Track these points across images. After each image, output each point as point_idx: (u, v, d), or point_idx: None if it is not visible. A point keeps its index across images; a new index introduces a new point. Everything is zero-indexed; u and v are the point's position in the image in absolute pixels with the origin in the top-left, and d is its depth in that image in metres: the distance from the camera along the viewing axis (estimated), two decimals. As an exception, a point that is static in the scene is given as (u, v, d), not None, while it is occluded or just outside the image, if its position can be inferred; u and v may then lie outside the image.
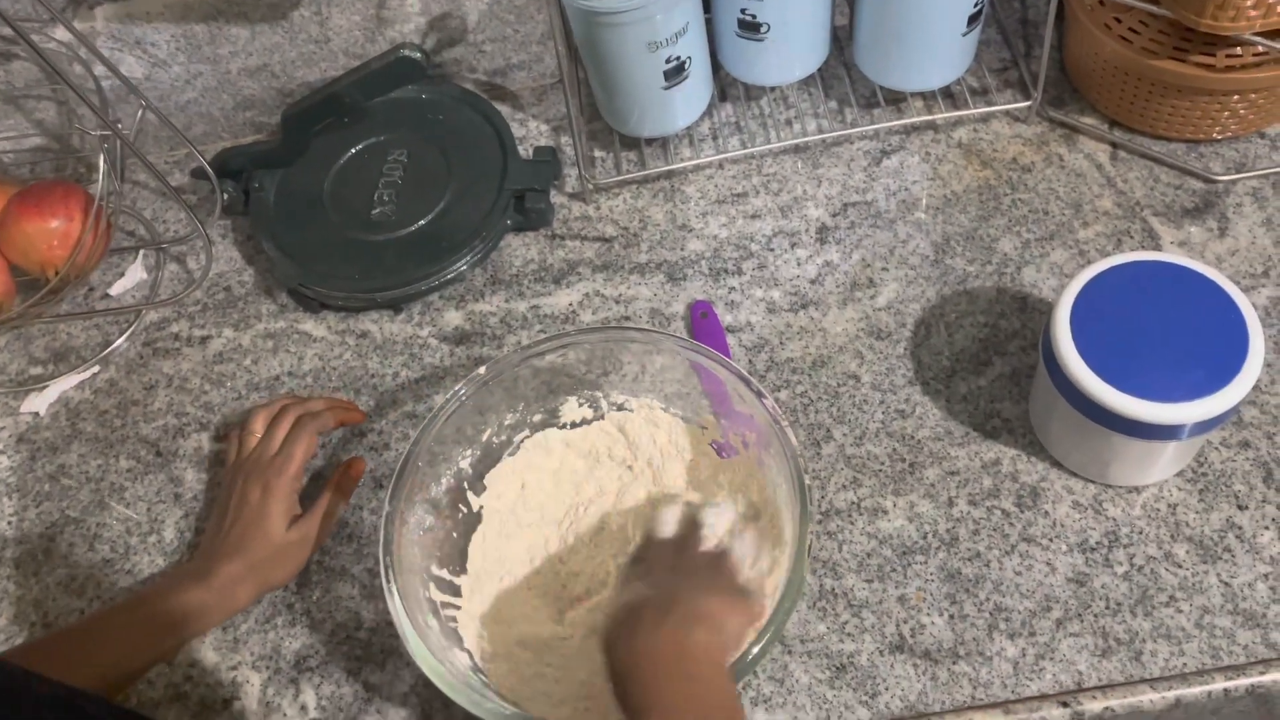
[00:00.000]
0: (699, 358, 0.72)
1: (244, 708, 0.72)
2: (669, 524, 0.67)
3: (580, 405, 0.78)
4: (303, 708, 0.72)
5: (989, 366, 0.78)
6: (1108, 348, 0.66)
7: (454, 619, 0.70)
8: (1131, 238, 0.83)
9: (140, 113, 0.86)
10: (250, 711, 0.72)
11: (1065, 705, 0.66)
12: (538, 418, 0.77)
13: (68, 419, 0.86)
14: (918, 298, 0.82)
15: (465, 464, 0.75)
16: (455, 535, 0.74)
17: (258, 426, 0.78)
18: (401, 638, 0.64)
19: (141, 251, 0.95)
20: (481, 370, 0.73)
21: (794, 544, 0.64)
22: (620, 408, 0.78)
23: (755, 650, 0.60)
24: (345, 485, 0.78)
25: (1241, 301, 0.66)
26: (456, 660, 0.66)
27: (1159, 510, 0.71)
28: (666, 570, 0.63)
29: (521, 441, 0.77)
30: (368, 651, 0.73)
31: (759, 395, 0.68)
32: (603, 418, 0.78)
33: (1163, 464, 0.70)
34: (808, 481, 0.65)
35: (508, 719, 0.60)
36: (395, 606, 0.64)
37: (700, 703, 0.55)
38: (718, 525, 0.66)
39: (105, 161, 0.80)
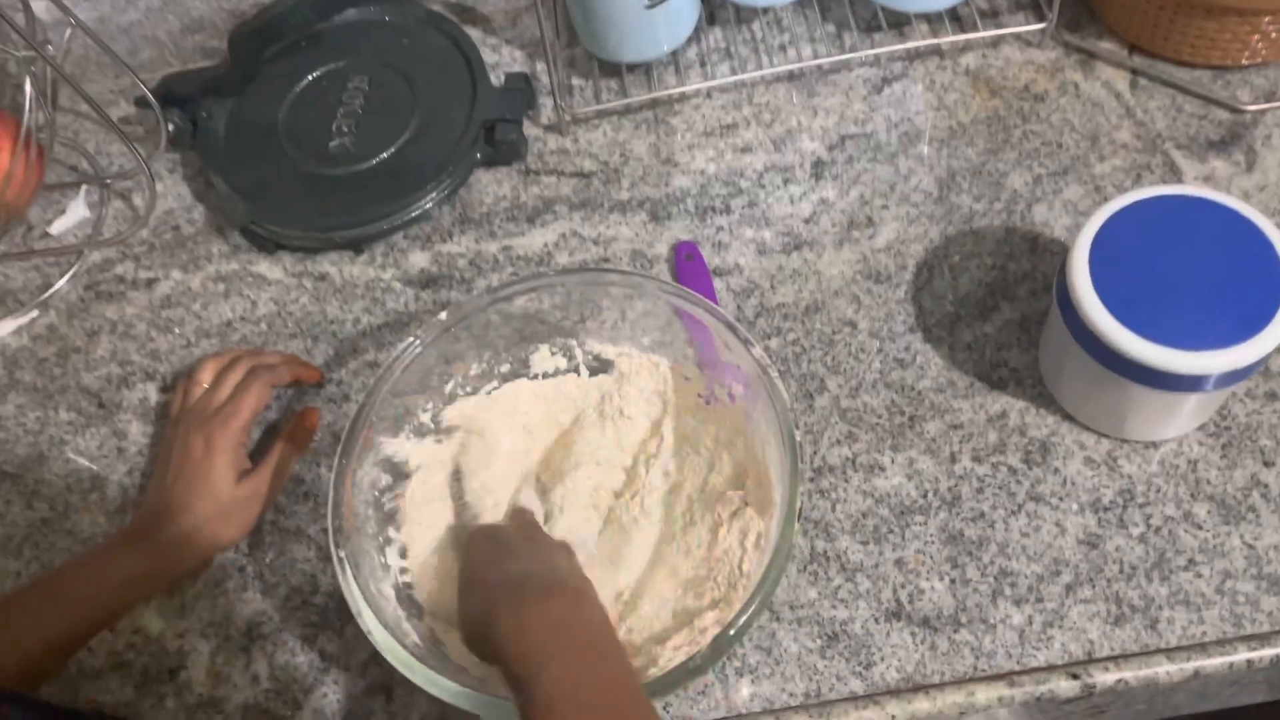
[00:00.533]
0: (683, 303, 0.66)
1: (191, 678, 0.67)
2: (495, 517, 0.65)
3: (554, 354, 0.72)
4: (254, 678, 0.66)
5: (996, 312, 0.73)
6: (1128, 291, 0.60)
7: (410, 585, 0.64)
8: (1152, 172, 0.77)
9: (69, 32, 0.79)
10: (197, 682, 0.67)
11: (1075, 677, 0.61)
12: (506, 368, 0.71)
13: (4, 367, 0.80)
14: (920, 238, 0.76)
15: (426, 418, 0.69)
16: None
17: (205, 377, 0.73)
18: (351, 609, 0.58)
19: (84, 187, 0.88)
20: (444, 315, 0.67)
21: (783, 505, 0.58)
22: (597, 357, 0.72)
23: (742, 620, 0.55)
24: (299, 437, 0.73)
25: (1277, 240, 0.60)
26: (414, 632, 0.60)
27: (1178, 467, 0.66)
28: (522, 540, 0.60)
29: (490, 393, 0.71)
30: (324, 618, 0.68)
31: (746, 343, 0.63)
32: (577, 369, 0.72)
33: (1184, 417, 0.65)
34: (798, 437, 0.59)
35: (463, 698, 0.55)
36: (344, 575, 0.59)
37: (594, 662, 0.50)
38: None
39: (31, 87, 0.73)
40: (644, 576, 0.65)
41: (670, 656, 0.60)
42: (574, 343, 0.71)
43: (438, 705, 0.64)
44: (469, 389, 0.70)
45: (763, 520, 0.62)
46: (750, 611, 0.55)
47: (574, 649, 0.50)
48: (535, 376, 0.72)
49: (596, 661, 0.50)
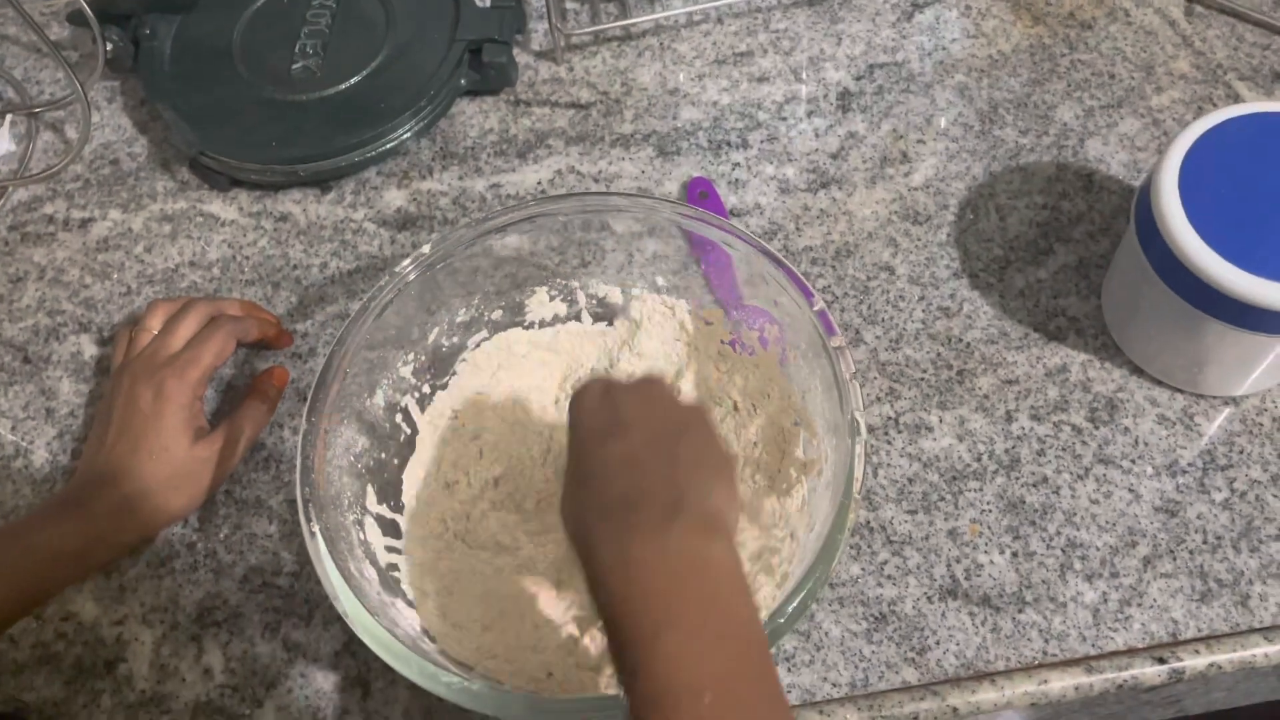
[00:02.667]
0: (709, 228, 0.56)
1: (132, 671, 0.57)
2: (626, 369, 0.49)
3: (552, 299, 0.63)
4: (206, 671, 0.57)
5: (1050, 256, 0.65)
6: (1222, 217, 0.52)
7: (396, 566, 0.55)
8: (1214, 105, 0.69)
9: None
10: (139, 676, 0.57)
11: (1162, 661, 0.53)
12: (498, 314, 0.62)
13: (-88, 318, 0.69)
14: (961, 175, 0.68)
15: (407, 371, 0.60)
16: (397, 462, 0.59)
17: (154, 322, 0.63)
18: (328, 592, 0.49)
19: (9, 117, 0.78)
20: (426, 248, 0.57)
21: (835, 465, 0.50)
22: (602, 301, 0.63)
23: (793, 605, 0.46)
24: (268, 394, 0.63)
25: (1387, 165, 0.53)
26: (401, 619, 0.51)
27: (1262, 425, 0.59)
28: (647, 434, 0.45)
29: (479, 345, 0.62)
30: (289, 603, 0.58)
31: (788, 272, 0.53)
32: (579, 315, 0.63)
33: (1268, 367, 0.58)
34: (853, 381, 0.50)
35: (466, 695, 0.46)
36: (318, 552, 0.49)
37: (724, 634, 0.39)
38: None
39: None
40: None
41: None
42: (575, 285, 0.62)
43: (421, 699, 0.55)
44: (455, 339, 0.61)
45: (805, 481, 0.53)
46: (803, 595, 0.46)
47: (697, 613, 0.39)
48: (531, 325, 0.63)
49: (724, 634, 0.39)
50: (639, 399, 0.47)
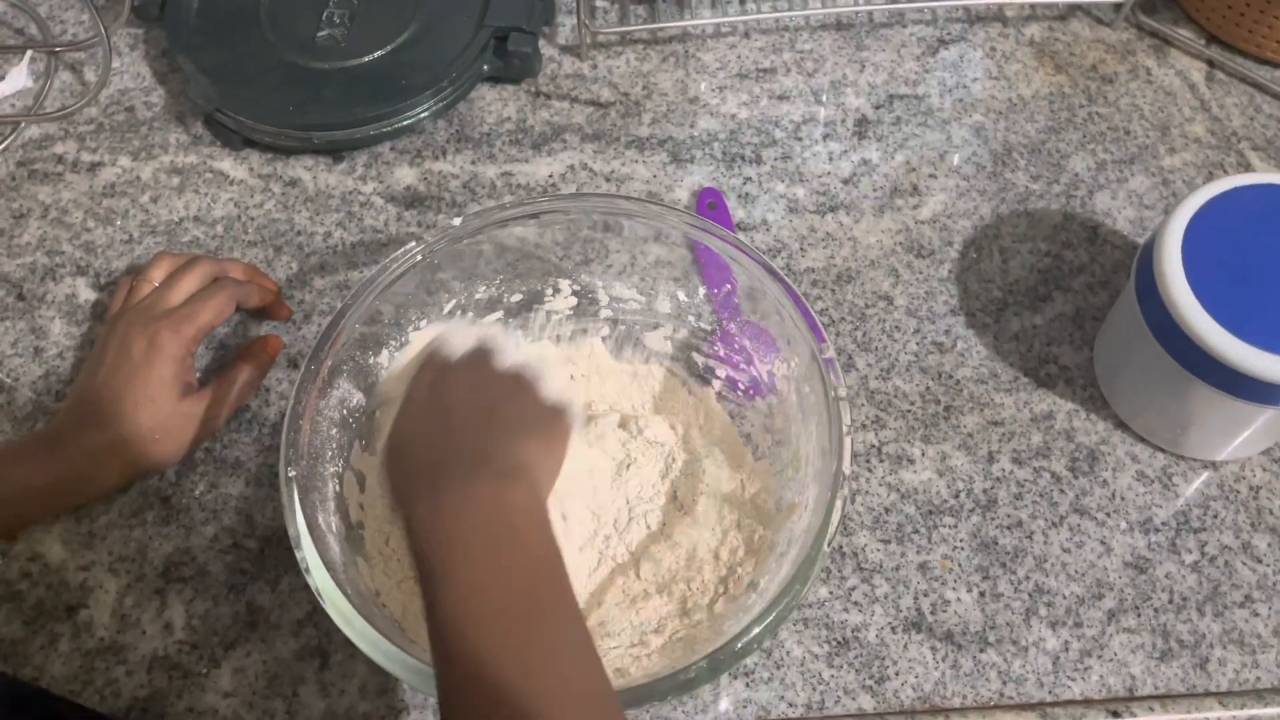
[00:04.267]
0: (726, 247, 0.56)
1: (92, 618, 0.57)
2: (457, 346, 0.51)
3: (574, 294, 0.63)
4: (167, 626, 0.57)
5: (1048, 302, 0.65)
6: (1220, 283, 0.53)
7: (363, 524, 0.55)
8: (1225, 171, 0.70)
9: None
10: (100, 624, 0.57)
11: (1115, 715, 0.54)
12: (517, 298, 0.62)
13: (-90, 243, 0.69)
14: (969, 213, 0.69)
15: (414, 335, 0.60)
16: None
17: (157, 274, 0.63)
18: (291, 539, 0.48)
19: (29, 53, 0.77)
20: (458, 220, 0.57)
21: (815, 505, 0.50)
22: (623, 302, 0.63)
23: (756, 630, 0.46)
24: (259, 359, 0.63)
25: (1388, 248, 0.54)
26: (360, 579, 0.51)
27: (1239, 492, 0.59)
28: (468, 410, 0.48)
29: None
30: (258, 566, 0.58)
31: (803, 310, 0.53)
32: (598, 314, 0.63)
33: (1250, 435, 0.58)
34: (847, 425, 0.50)
35: (401, 664, 0.46)
36: (290, 498, 0.49)
37: (519, 571, 0.42)
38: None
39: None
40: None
41: (651, 659, 0.51)
42: (599, 284, 0.62)
43: (379, 676, 0.56)
44: (469, 316, 0.61)
45: (782, 523, 0.54)
46: (765, 626, 0.47)
47: (492, 544, 0.42)
48: (550, 314, 0.63)
49: (513, 568, 0.42)
50: (466, 374, 0.50)
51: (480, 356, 0.51)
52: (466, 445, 0.46)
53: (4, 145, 0.73)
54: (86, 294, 0.67)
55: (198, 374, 0.63)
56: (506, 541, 0.43)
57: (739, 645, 0.46)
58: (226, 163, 0.72)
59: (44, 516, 0.59)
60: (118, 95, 0.75)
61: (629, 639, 0.53)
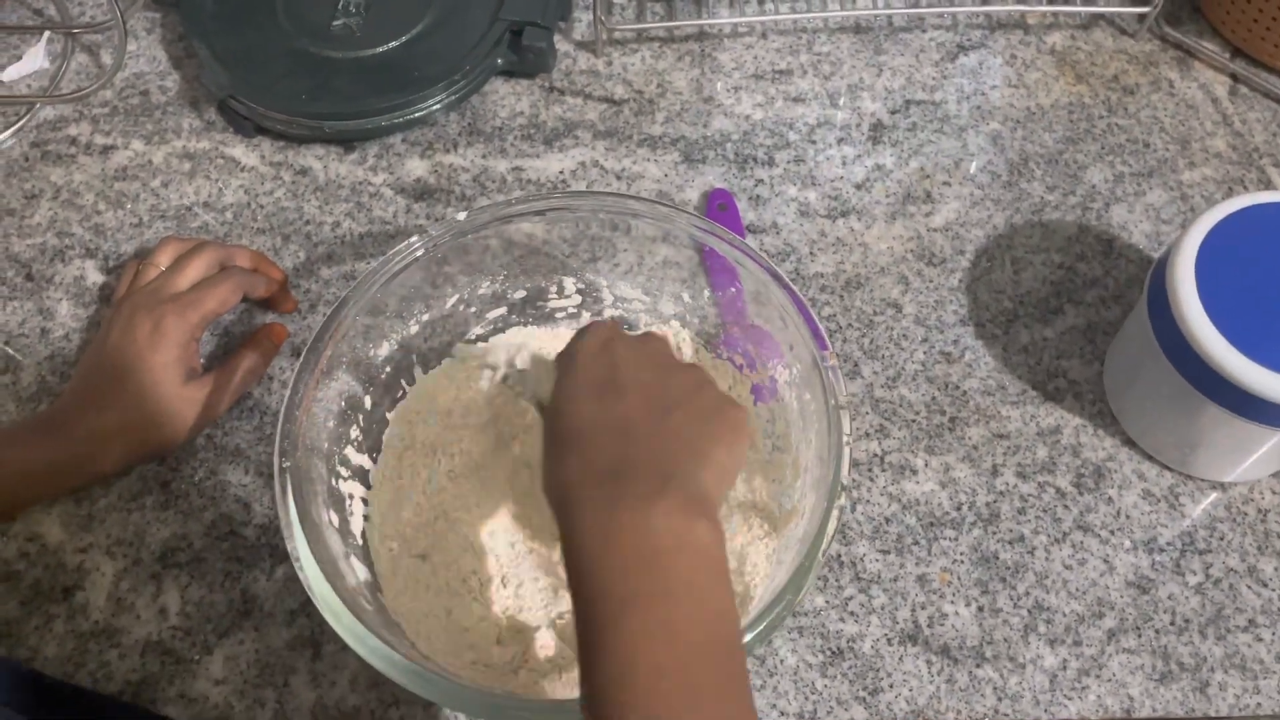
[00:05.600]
0: (734, 251, 0.56)
1: (88, 600, 0.57)
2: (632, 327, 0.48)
3: (579, 292, 0.62)
4: (161, 611, 0.57)
5: (1059, 316, 0.64)
6: (1233, 302, 0.52)
7: (364, 516, 0.55)
8: (1245, 188, 0.69)
9: None
10: (95, 606, 0.57)
11: (1111, 737, 0.53)
12: (520, 294, 0.62)
13: (-78, 220, 0.69)
14: (982, 222, 0.68)
15: (415, 328, 0.59)
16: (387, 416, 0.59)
17: (163, 259, 0.63)
18: (284, 532, 0.48)
19: (47, 34, 0.78)
20: (463, 215, 0.56)
21: (813, 513, 0.49)
22: (628, 302, 0.62)
23: (748, 637, 0.45)
24: (263, 347, 0.63)
25: None
26: (351, 574, 0.51)
27: (1246, 514, 0.58)
28: (644, 399, 0.44)
29: (494, 320, 0.62)
30: (253, 554, 0.58)
31: (806, 316, 0.53)
32: (601, 314, 0.62)
33: (1260, 457, 0.57)
34: (847, 434, 0.50)
35: (390, 663, 0.46)
36: (283, 490, 0.49)
37: (695, 620, 0.38)
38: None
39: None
40: None
41: None
42: (603, 283, 0.62)
43: (370, 669, 0.55)
44: (472, 310, 0.61)
45: (781, 528, 0.53)
46: (755, 633, 0.46)
47: (669, 594, 0.38)
48: (553, 313, 0.63)
49: (695, 620, 0.38)
50: (640, 357, 0.45)
51: (654, 339, 0.47)
52: (645, 455, 0.41)
53: (19, 125, 0.73)
54: (95, 276, 0.67)
55: (202, 360, 0.63)
56: (685, 591, 0.38)
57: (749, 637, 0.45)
58: (238, 149, 0.72)
59: (44, 498, 0.59)
60: (132, 79, 0.75)
61: None
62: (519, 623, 0.53)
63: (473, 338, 0.62)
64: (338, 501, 0.54)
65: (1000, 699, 0.54)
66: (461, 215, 0.57)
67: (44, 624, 0.57)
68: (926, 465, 0.60)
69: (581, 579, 0.39)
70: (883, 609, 0.56)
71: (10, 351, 0.65)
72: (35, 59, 0.76)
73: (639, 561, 0.38)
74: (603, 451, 0.42)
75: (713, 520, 0.40)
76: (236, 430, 0.62)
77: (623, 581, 0.38)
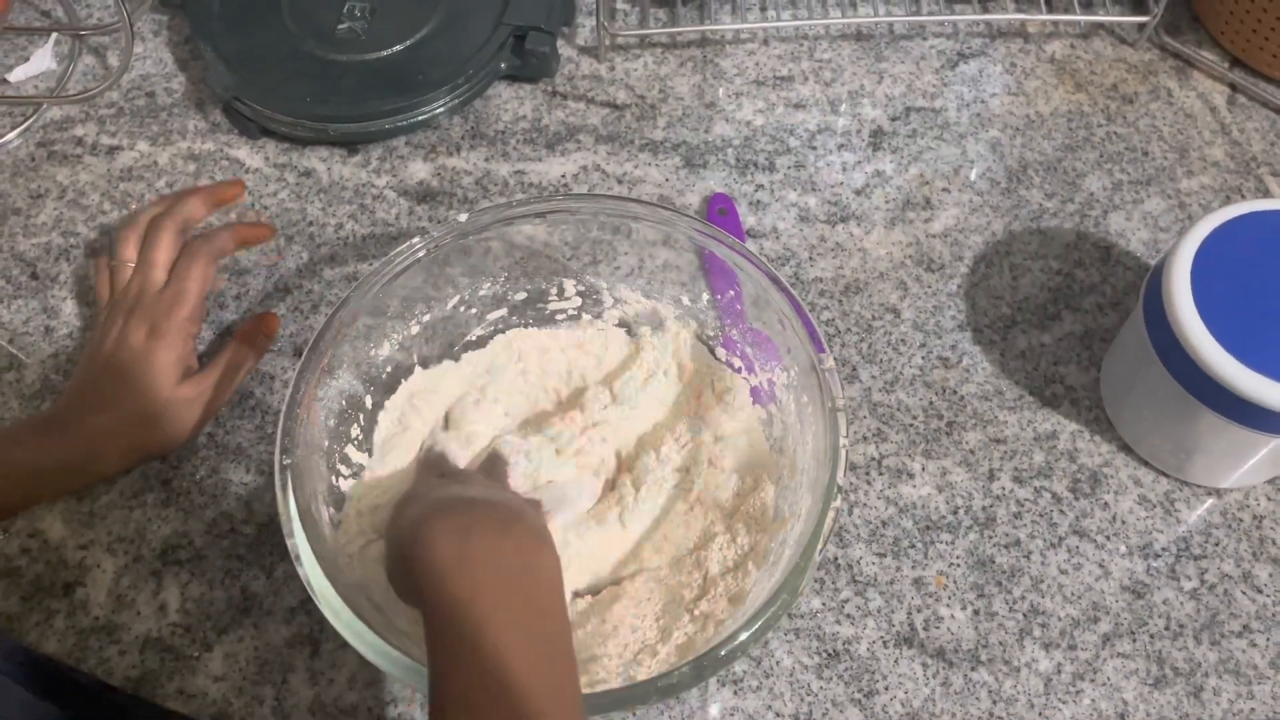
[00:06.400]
0: (733, 255, 0.56)
1: (89, 596, 0.57)
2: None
3: (579, 294, 0.63)
4: (162, 608, 0.57)
5: (1057, 322, 0.65)
6: (1229, 309, 0.52)
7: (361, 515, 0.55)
8: (1243, 196, 0.69)
9: None
10: (95, 603, 0.57)
11: (1105, 741, 0.53)
12: (521, 296, 0.62)
13: (-71, 218, 0.70)
14: (981, 229, 0.68)
15: (415, 329, 0.60)
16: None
17: (129, 253, 0.63)
18: (284, 528, 0.49)
19: (54, 35, 0.78)
20: (464, 216, 0.57)
21: (809, 515, 0.49)
22: (627, 306, 0.63)
23: (742, 637, 0.46)
24: (256, 341, 0.63)
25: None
26: (350, 572, 0.51)
27: (1242, 520, 0.59)
28: (478, 482, 0.53)
29: (494, 322, 0.62)
30: (253, 552, 0.59)
31: (804, 319, 0.53)
32: (602, 315, 0.63)
33: (1255, 464, 0.57)
34: (844, 437, 0.50)
35: (386, 658, 0.46)
36: (283, 487, 0.49)
37: (537, 634, 0.43)
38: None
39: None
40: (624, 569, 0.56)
41: (638, 669, 0.51)
42: (603, 285, 0.62)
43: (368, 667, 0.56)
44: (472, 311, 0.61)
45: (775, 529, 0.53)
46: (750, 634, 0.46)
47: (517, 613, 0.43)
48: (553, 315, 0.63)
49: (533, 625, 0.43)
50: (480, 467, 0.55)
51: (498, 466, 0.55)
52: (489, 509, 0.47)
53: (25, 126, 0.74)
54: (99, 276, 0.68)
55: (201, 355, 0.64)
56: (532, 612, 0.43)
57: (723, 652, 0.46)
58: (243, 151, 0.73)
59: (45, 499, 0.59)
60: (139, 80, 0.76)
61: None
62: None
63: (474, 339, 0.62)
64: (338, 499, 0.54)
65: (995, 702, 0.54)
66: (463, 217, 0.57)
67: (45, 619, 0.57)
68: (923, 469, 0.60)
69: (434, 603, 0.43)
70: (879, 612, 0.56)
71: (14, 350, 0.65)
72: (42, 60, 0.77)
73: (492, 583, 0.43)
74: (450, 494, 0.48)
75: (554, 553, 0.46)
76: (238, 429, 0.62)
77: (477, 602, 0.42)
